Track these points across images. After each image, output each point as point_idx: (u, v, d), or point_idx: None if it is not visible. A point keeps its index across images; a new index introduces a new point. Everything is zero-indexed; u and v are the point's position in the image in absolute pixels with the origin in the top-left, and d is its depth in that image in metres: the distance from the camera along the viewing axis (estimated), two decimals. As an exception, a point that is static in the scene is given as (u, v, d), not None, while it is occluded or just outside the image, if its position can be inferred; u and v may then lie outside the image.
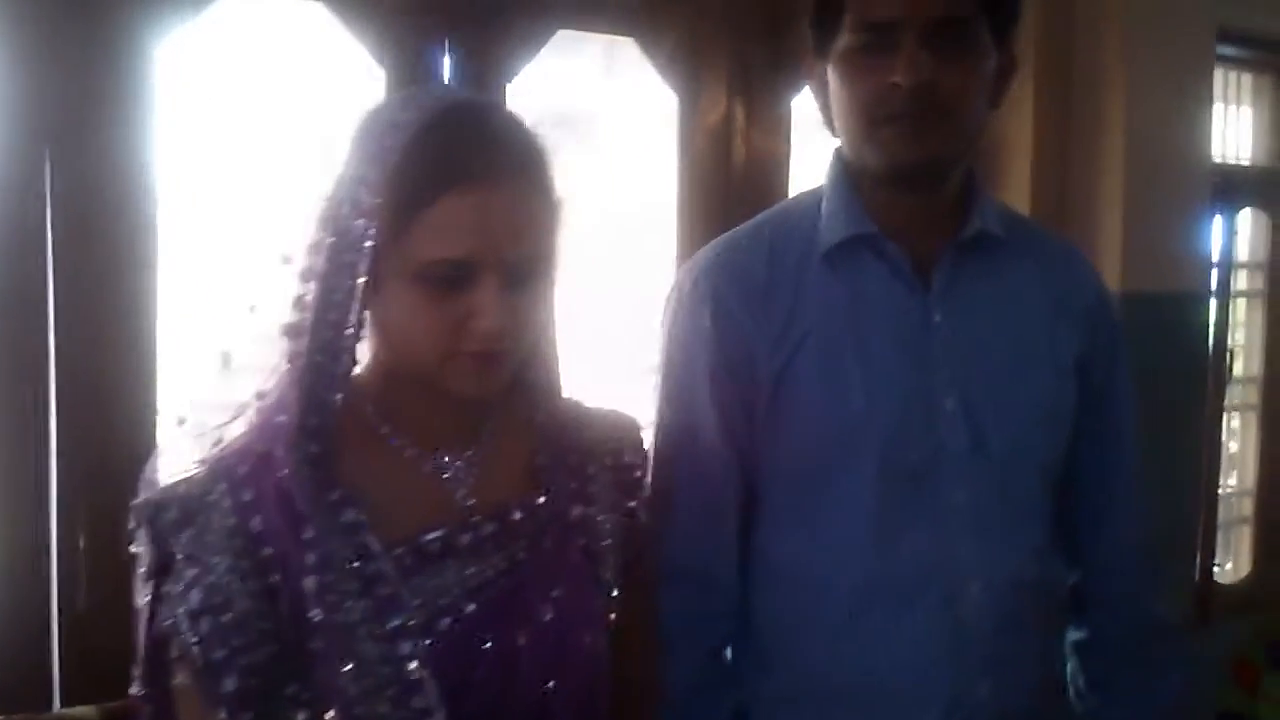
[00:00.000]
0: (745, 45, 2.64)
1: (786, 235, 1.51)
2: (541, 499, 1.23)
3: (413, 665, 1.11)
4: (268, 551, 1.11)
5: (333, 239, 1.13)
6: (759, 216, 1.57)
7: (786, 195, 2.68)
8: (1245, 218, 3.63)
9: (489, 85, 2.31)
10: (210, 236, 2.14)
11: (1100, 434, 1.55)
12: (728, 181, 2.64)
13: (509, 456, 1.26)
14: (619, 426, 1.35)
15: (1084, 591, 1.58)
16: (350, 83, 2.24)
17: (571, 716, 1.19)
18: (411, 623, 1.12)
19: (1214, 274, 3.35)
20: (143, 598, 1.15)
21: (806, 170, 2.67)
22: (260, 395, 1.18)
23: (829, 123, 1.49)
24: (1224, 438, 3.57)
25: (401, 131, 1.11)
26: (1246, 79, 3.62)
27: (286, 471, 1.12)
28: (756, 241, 1.51)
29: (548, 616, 1.19)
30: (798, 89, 2.66)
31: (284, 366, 1.15)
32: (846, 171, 1.50)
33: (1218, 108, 3.27)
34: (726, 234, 1.56)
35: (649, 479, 1.37)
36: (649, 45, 2.54)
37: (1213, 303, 3.33)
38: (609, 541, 1.27)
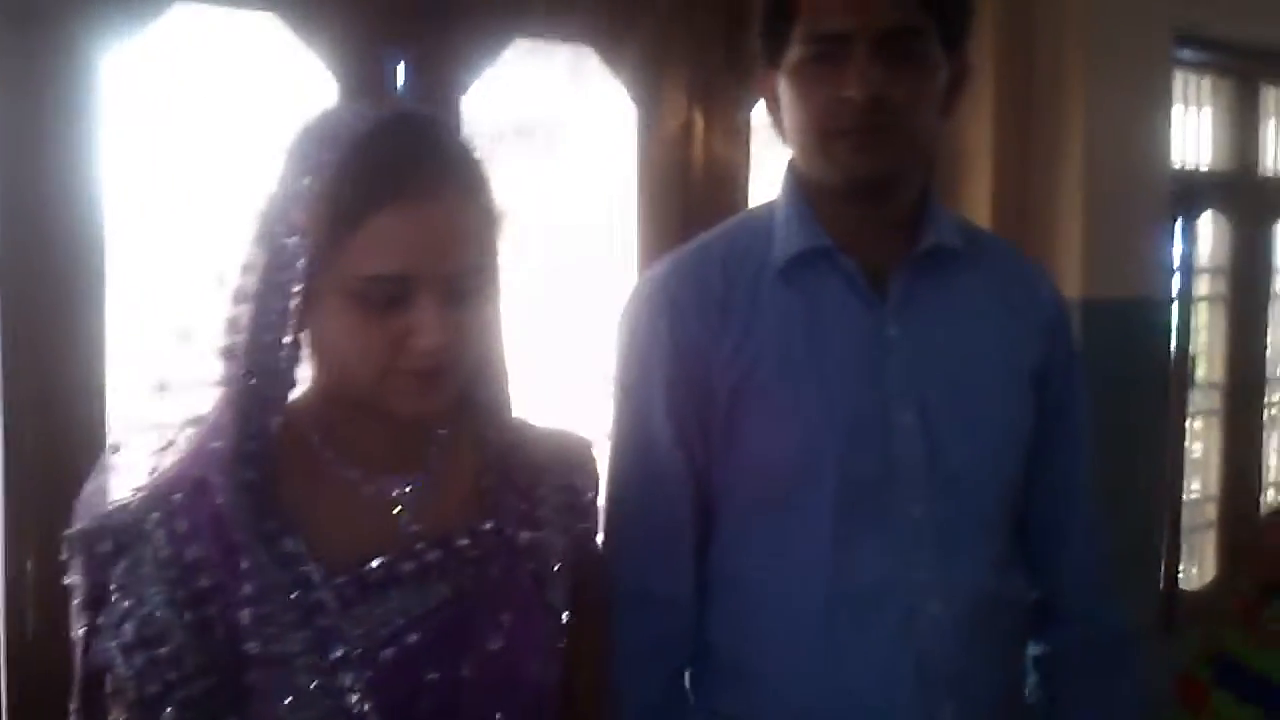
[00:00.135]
0: (706, 54, 2.63)
1: (743, 248, 1.49)
2: (488, 524, 1.21)
3: (354, 698, 1.08)
4: (204, 582, 1.08)
5: (266, 258, 1.10)
6: (715, 229, 1.55)
7: (746, 204, 2.68)
8: (1206, 221, 3.65)
9: (443, 95, 2.29)
10: (159, 253, 2.10)
11: (1056, 447, 1.54)
12: (687, 190, 2.63)
13: (456, 480, 1.23)
14: (569, 447, 1.32)
15: (1044, 606, 1.57)
16: (303, 94, 2.21)
17: None
18: (353, 654, 1.09)
19: (1175, 279, 3.37)
20: (78, 630, 1.12)
21: (766, 179, 2.66)
22: (196, 420, 1.15)
23: (781, 136, 1.48)
24: (1187, 443, 3.58)
25: (335, 146, 1.08)
26: (1206, 82, 3.64)
27: (223, 499, 1.09)
28: (713, 254, 1.49)
29: (495, 645, 1.16)
30: (758, 98, 2.64)
31: (219, 390, 1.12)
32: (800, 184, 1.49)
33: (1178, 111, 3.28)
34: (683, 246, 1.55)
35: (601, 499, 1.35)
36: (609, 55, 2.53)
37: (1174, 308, 3.35)
38: (559, 566, 1.25)
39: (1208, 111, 3.68)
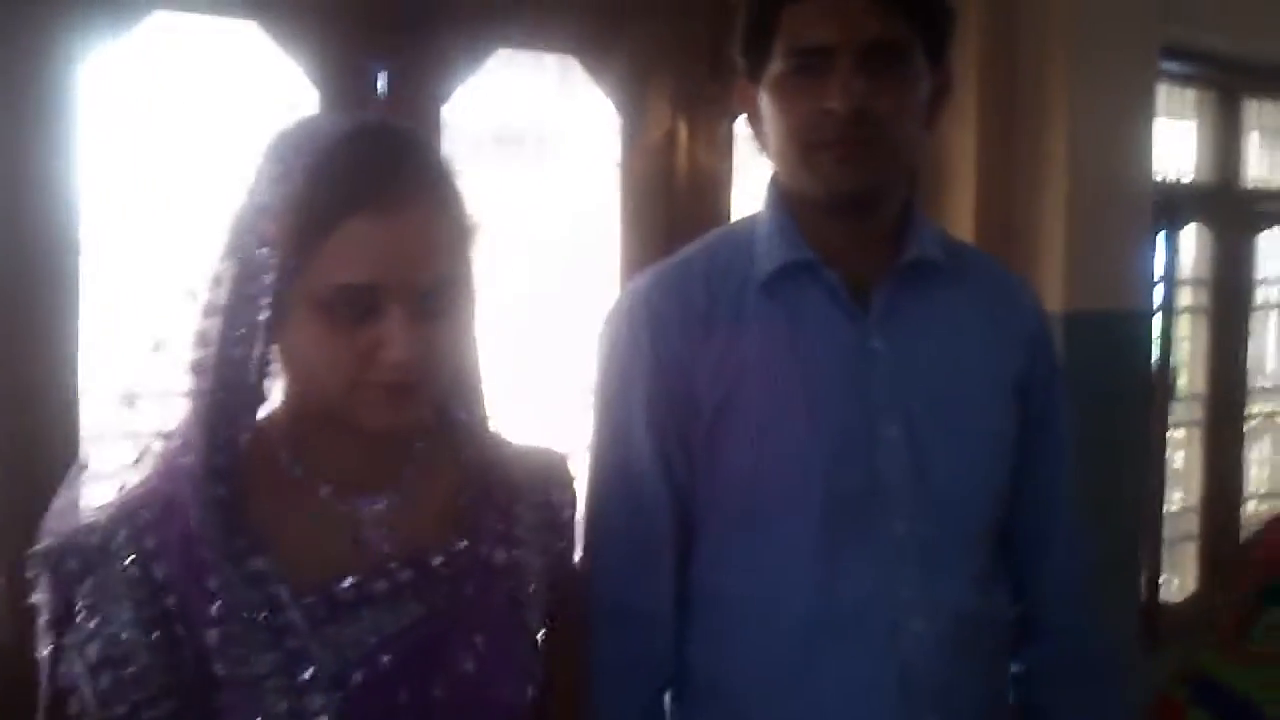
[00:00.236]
0: (690, 63, 2.62)
1: (725, 262, 1.48)
2: (463, 543, 1.19)
3: None
4: (171, 601, 1.06)
5: (235, 270, 1.08)
6: (697, 243, 1.54)
7: (730, 213, 2.68)
8: (1189, 234, 3.66)
9: (425, 104, 2.28)
10: (134, 262, 2.08)
11: (1039, 460, 1.53)
12: (671, 199, 2.62)
13: (431, 498, 1.21)
14: (547, 464, 1.31)
15: (1026, 620, 1.56)
16: (284, 103, 2.19)
17: None
18: (323, 675, 1.07)
19: (1158, 291, 3.37)
20: (43, 649, 1.10)
21: (750, 188, 2.66)
22: (166, 435, 1.13)
23: (764, 148, 1.47)
24: (1168, 455, 3.58)
25: (304, 155, 1.07)
26: (1190, 94, 3.65)
27: (192, 516, 1.07)
28: (695, 268, 1.48)
29: (468, 666, 1.14)
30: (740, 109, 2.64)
31: (188, 405, 1.11)
32: (783, 197, 1.48)
33: (1161, 123, 3.28)
34: (665, 260, 1.53)
35: (579, 517, 1.33)
36: (592, 64, 2.52)
37: (1157, 319, 3.35)
38: (535, 586, 1.23)
39: (1191, 124, 3.69)
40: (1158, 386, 3.38)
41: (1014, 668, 1.58)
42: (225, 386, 1.10)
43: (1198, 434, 3.74)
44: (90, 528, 1.09)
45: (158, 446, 1.13)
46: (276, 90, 2.19)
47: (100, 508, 1.10)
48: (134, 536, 1.07)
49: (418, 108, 2.26)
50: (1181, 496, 3.77)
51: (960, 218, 2.79)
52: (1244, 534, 3.83)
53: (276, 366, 1.13)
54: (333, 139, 1.08)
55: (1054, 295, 2.75)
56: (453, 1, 2.29)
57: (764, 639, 1.42)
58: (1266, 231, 3.89)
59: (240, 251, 1.09)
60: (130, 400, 1.83)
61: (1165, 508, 3.56)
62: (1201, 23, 3.25)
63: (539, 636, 1.23)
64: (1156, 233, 3.29)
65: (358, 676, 1.09)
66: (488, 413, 1.26)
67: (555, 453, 1.33)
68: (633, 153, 2.58)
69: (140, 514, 1.09)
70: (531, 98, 2.65)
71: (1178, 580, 3.73)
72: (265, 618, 1.07)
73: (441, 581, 1.16)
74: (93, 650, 1.05)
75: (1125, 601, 3.14)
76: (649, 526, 1.44)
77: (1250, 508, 3.97)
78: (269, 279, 1.07)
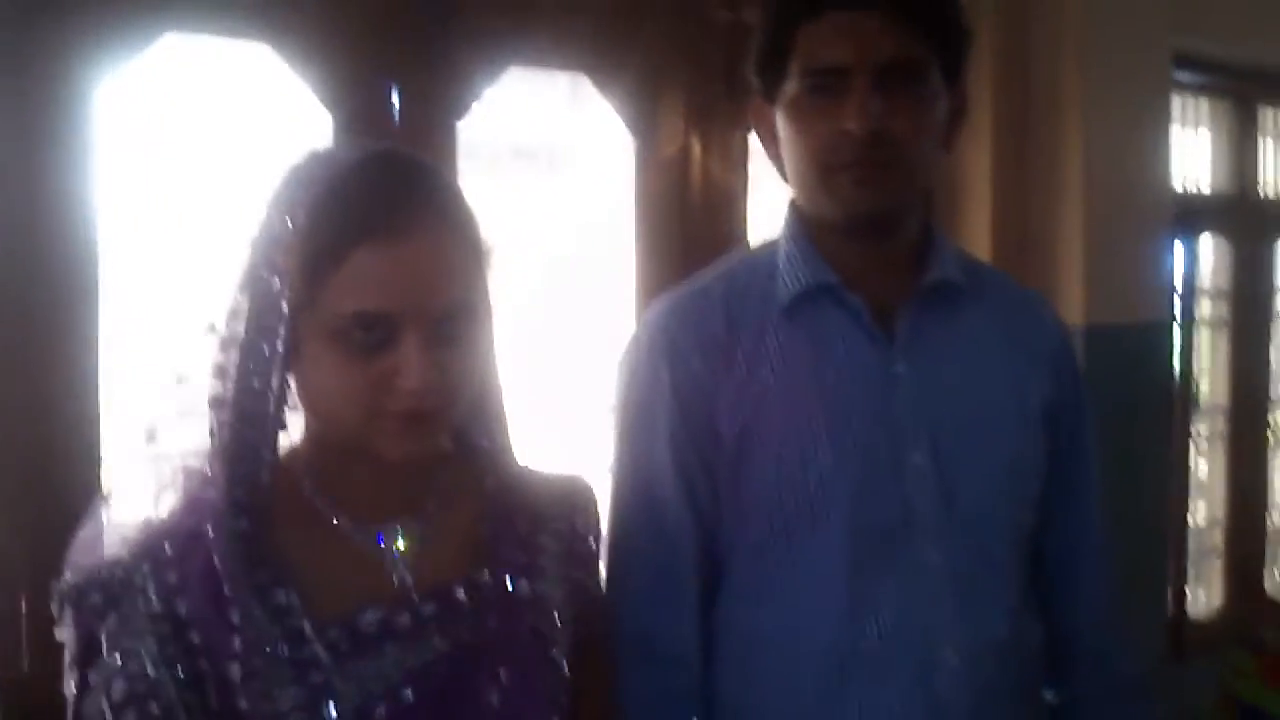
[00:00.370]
0: (703, 79, 2.62)
1: (744, 287, 1.46)
2: (486, 575, 1.18)
3: None
4: (195, 637, 1.06)
5: (251, 303, 1.09)
6: (713, 269, 1.53)
7: (745, 228, 2.68)
8: (1206, 244, 3.64)
9: (439, 123, 2.28)
10: (153, 292, 2.09)
11: (1067, 484, 1.51)
12: (685, 214, 2.62)
13: (454, 528, 1.20)
14: (570, 492, 1.30)
15: (1056, 648, 1.53)
16: (296, 125, 2.19)
17: None
18: (346, 711, 1.06)
19: (1177, 302, 3.34)
20: (69, 685, 1.09)
21: (764, 203, 2.65)
22: (188, 469, 1.12)
23: (780, 171, 1.46)
24: (1191, 468, 3.55)
25: (314, 186, 1.07)
26: (1204, 104, 3.63)
27: (215, 550, 1.06)
28: (714, 295, 1.47)
29: (494, 701, 1.13)
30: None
31: (210, 439, 1.10)
32: (802, 221, 1.46)
33: (1176, 132, 3.27)
34: (682, 287, 1.52)
35: (603, 547, 1.32)
36: (604, 81, 2.51)
37: (1176, 331, 3.32)
38: (560, 618, 1.22)
39: (1205, 133, 3.67)
40: (1178, 399, 3.36)
41: (1048, 696, 1.55)
42: (245, 419, 1.09)
43: (1220, 446, 3.71)
44: (113, 562, 1.08)
45: (179, 480, 1.13)
46: (289, 112, 2.19)
47: (123, 542, 1.10)
48: (156, 571, 1.07)
49: (432, 126, 2.26)
50: (1205, 509, 3.73)
51: (977, 234, 2.78)
52: (1270, 547, 3.80)
53: (295, 398, 1.12)
54: (342, 169, 1.09)
55: (1073, 309, 2.74)
56: (465, 21, 2.30)
57: (791, 670, 1.39)
58: (1284, 239, 3.87)
59: (255, 284, 1.09)
60: (151, 434, 1.83)
61: (1189, 521, 3.53)
62: (1213, 32, 3.24)
63: (565, 668, 1.21)
64: (1174, 243, 3.27)
65: (381, 711, 1.08)
66: (510, 439, 1.26)
67: (579, 480, 1.32)
68: (646, 168, 2.58)
69: (163, 548, 1.08)
70: (545, 114, 2.66)
71: (1204, 594, 3.69)
72: (288, 652, 1.06)
73: (465, 614, 1.15)
74: (118, 687, 1.04)
75: (1151, 617, 3.11)
76: (673, 556, 1.42)
77: (1276, 519, 3.93)
78: (284, 311, 1.07)
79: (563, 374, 2.52)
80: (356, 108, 2.17)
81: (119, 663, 1.05)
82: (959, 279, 1.45)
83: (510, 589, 1.18)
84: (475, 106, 2.33)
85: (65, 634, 1.09)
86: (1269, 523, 3.86)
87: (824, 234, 1.43)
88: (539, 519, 1.24)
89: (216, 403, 1.11)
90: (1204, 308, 3.65)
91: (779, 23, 1.39)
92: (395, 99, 2.22)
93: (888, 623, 1.37)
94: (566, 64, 2.50)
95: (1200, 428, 3.63)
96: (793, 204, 1.48)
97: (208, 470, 1.11)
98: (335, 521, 1.15)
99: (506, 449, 1.25)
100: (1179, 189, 3.38)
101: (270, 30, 2.10)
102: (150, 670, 1.05)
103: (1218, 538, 3.71)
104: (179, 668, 1.05)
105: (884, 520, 1.38)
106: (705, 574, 1.44)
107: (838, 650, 1.38)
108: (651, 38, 2.55)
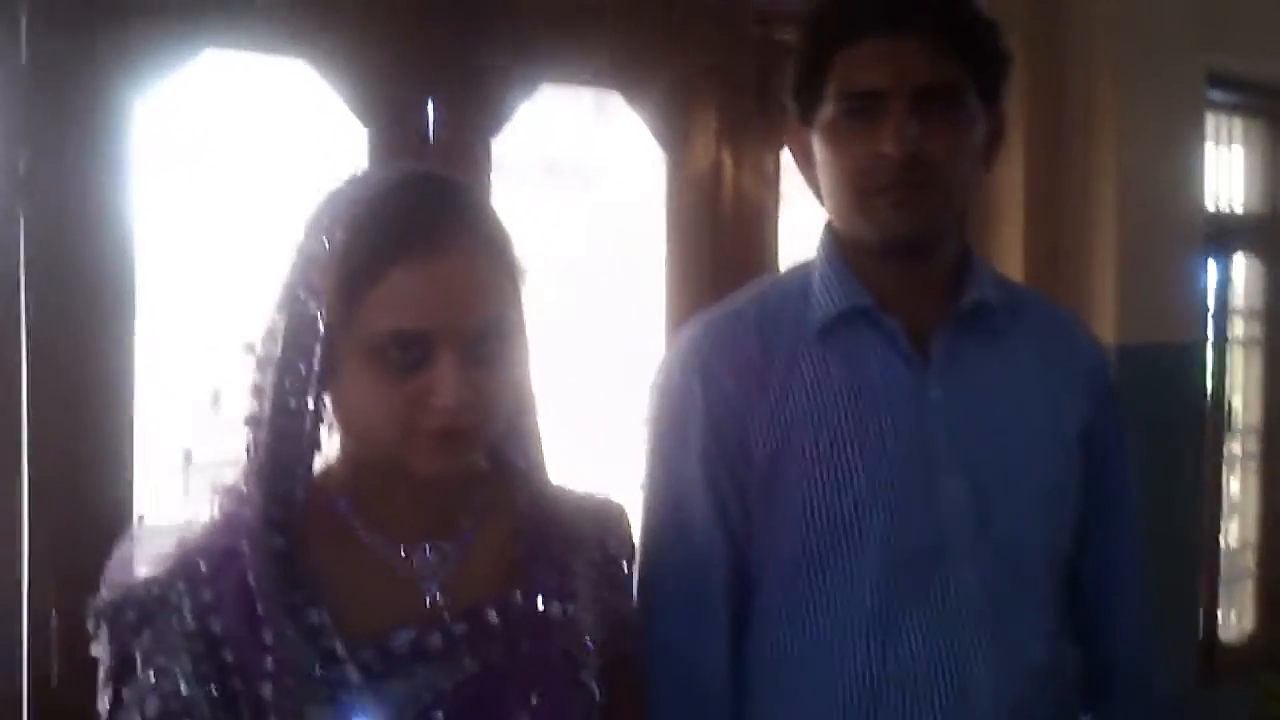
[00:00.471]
0: (734, 95, 2.62)
1: (778, 309, 1.46)
2: (518, 597, 1.17)
3: None
4: (228, 655, 1.06)
5: (288, 323, 1.10)
6: (748, 290, 1.53)
7: (776, 244, 2.68)
8: (1239, 263, 3.61)
9: (473, 140, 2.29)
10: (190, 311, 2.10)
11: (1105, 507, 1.50)
12: (716, 230, 2.62)
13: (488, 548, 1.20)
14: (603, 514, 1.29)
15: (1091, 674, 1.52)
16: (333, 140, 2.21)
17: None
18: None
19: (1210, 321, 3.32)
20: (103, 702, 1.10)
21: (796, 219, 2.65)
22: (223, 488, 1.13)
23: (816, 193, 1.46)
24: (1224, 489, 3.52)
25: (351, 208, 1.08)
26: (1237, 123, 3.61)
27: (251, 569, 1.07)
28: (747, 316, 1.46)
29: None
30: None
31: (245, 458, 1.11)
32: (837, 243, 1.46)
33: (1209, 151, 3.25)
34: (716, 308, 1.51)
35: (636, 569, 1.32)
36: (636, 97, 2.52)
37: (1209, 351, 3.30)
38: (591, 641, 1.21)
39: (1239, 152, 3.64)
40: (1211, 419, 3.33)
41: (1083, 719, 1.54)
42: (281, 438, 1.10)
43: (1253, 466, 3.67)
44: (149, 580, 1.09)
45: (215, 498, 1.14)
46: (325, 128, 2.21)
47: (158, 560, 1.10)
48: (192, 589, 1.08)
49: (466, 143, 2.28)
50: (1238, 530, 3.70)
51: (1008, 253, 2.77)
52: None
53: (331, 418, 1.13)
54: (379, 190, 1.10)
55: (1105, 328, 2.73)
56: (499, 38, 2.31)
57: (822, 693, 1.38)
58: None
59: (292, 304, 1.10)
60: (188, 453, 1.84)
61: (1222, 543, 3.50)
62: (1247, 51, 3.23)
63: (595, 691, 1.20)
64: (1207, 262, 3.25)
65: None
66: (544, 458, 1.26)
67: (613, 502, 1.31)
68: (678, 184, 2.58)
69: (198, 566, 1.09)
70: (578, 130, 2.66)
71: (1236, 617, 3.65)
72: (320, 672, 1.06)
73: (497, 636, 1.15)
74: (151, 705, 1.05)
75: (1183, 639, 3.09)
76: (704, 577, 1.42)
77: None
78: (320, 330, 1.08)
79: (593, 387, 2.52)
80: (392, 124, 2.19)
81: (153, 680, 1.06)
82: (996, 301, 1.44)
83: (542, 612, 1.18)
84: (509, 123, 2.35)
85: (100, 650, 1.10)
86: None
87: (860, 256, 1.43)
88: (572, 541, 1.24)
89: (253, 421, 1.11)
90: (1237, 327, 3.62)
91: (816, 47, 1.39)
92: (430, 116, 2.24)
93: (920, 647, 1.36)
94: (599, 80, 2.51)
95: (1233, 448, 3.60)
96: (828, 226, 1.48)
97: (243, 489, 1.11)
98: (368, 541, 1.15)
99: (540, 468, 1.25)
100: (1212, 208, 3.36)
101: (308, 47, 2.13)
102: (184, 688, 1.05)
103: (1250, 559, 3.67)
104: (212, 686, 1.05)
105: (918, 544, 1.37)
106: (737, 594, 1.43)
107: (869, 674, 1.37)
108: (684, 54, 2.56)
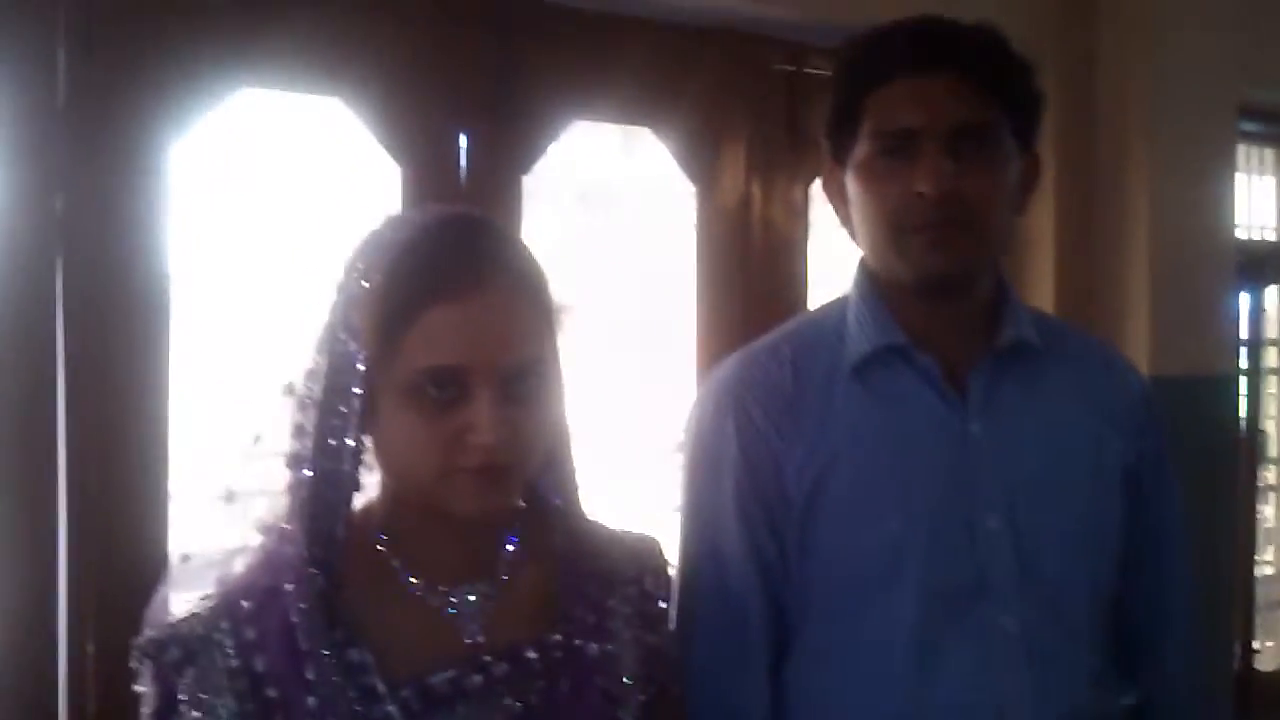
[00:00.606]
0: (764, 127, 2.63)
1: (812, 348, 1.46)
2: (557, 636, 1.18)
3: None
4: (272, 693, 1.07)
5: (328, 363, 1.11)
6: (780, 329, 1.53)
7: (806, 276, 2.68)
8: (1272, 294, 3.59)
9: (506, 177, 2.31)
10: (227, 351, 2.12)
11: (1152, 544, 1.48)
12: (746, 262, 2.63)
13: (526, 588, 1.20)
14: (641, 552, 1.29)
15: (1139, 713, 1.49)
16: (367, 177, 2.23)
17: None
18: None
19: (1243, 353, 3.30)
20: None
21: (826, 251, 2.66)
22: (265, 527, 1.14)
23: (850, 232, 1.46)
24: (1259, 520, 3.49)
25: (390, 250, 1.10)
26: (1270, 154, 3.59)
27: (294, 607, 1.08)
28: (782, 354, 1.46)
29: None
30: (816, 171, 2.64)
31: (286, 497, 1.12)
32: (872, 281, 1.46)
33: (1241, 182, 3.23)
34: (750, 345, 1.51)
35: (672, 608, 1.32)
36: (666, 132, 2.54)
37: (1242, 382, 3.28)
38: (630, 680, 1.21)
39: (1271, 183, 3.63)
40: (1244, 450, 3.31)
41: None
42: (322, 478, 1.11)
43: (1287, 499, 3.65)
44: (192, 618, 1.10)
45: (257, 538, 1.15)
46: (359, 165, 2.23)
47: (202, 599, 1.11)
48: (235, 627, 1.09)
49: (499, 181, 2.29)
50: (1273, 561, 3.66)
51: (1040, 285, 2.76)
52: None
53: (372, 458, 1.14)
54: (417, 231, 1.11)
55: (1138, 360, 2.70)
56: (532, 76, 2.33)
57: None
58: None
59: (332, 345, 1.11)
60: (230, 494, 1.85)
61: (1256, 574, 3.47)
62: (1279, 82, 3.21)
63: None
64: (1240, 294, 3.23)
65: None
66: (580, 496, 1.26)
67: (649, 538, 1.31)
68: (707, 217, 2.59)
69: (241, 605, 1.10)
70: (608, 164, 2.68)
71: (1272, 647, 3.61)
72: (360, 711, 1.07)
73: (536, 675, 1.15)
74: None
75: (1218, 671, 3.05)
76: (741, 617, 1.41)
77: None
78: (359, 370, 1.09)
79: (622, 417, 2.53)
80: (425, 162, 2.22)
81: (197, 718, 1.06)
82: (1034, 339, 1.44)
83: (580, 650, 1.18)
84: (541, 162, 2.36)
85: (143, 688, 1.11)
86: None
87: (894, 294, 1.43)
88: (610, 579, 1.24)
89: (295, 461, 1.13)
90: (1270, 358, 3.60)
91: (850, 87, 1.40)
92: (463, 153, 2.26)
93: (960, 691, 1.35)
94: (630, 117, 2.53)
95: (1267, 478, 3.57)
96: (863, 264, 1.48)
97: (285, 528, 1.12)
98: (409, 580, 1.16)
99: (577, 506, 1.26)
100: (1245, 238, 3.34)
101: (342, 85, 2.15)
102: None
103: (1285, 590, 3.64)
104: None
105: (956, 584, 1.36)
106: (775, 629, 1.42)
107: (905, 716, 1.36)
108: (713, 90, 2.57)
